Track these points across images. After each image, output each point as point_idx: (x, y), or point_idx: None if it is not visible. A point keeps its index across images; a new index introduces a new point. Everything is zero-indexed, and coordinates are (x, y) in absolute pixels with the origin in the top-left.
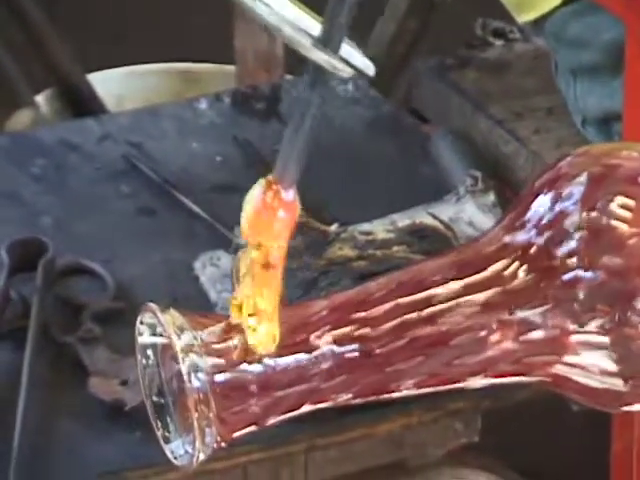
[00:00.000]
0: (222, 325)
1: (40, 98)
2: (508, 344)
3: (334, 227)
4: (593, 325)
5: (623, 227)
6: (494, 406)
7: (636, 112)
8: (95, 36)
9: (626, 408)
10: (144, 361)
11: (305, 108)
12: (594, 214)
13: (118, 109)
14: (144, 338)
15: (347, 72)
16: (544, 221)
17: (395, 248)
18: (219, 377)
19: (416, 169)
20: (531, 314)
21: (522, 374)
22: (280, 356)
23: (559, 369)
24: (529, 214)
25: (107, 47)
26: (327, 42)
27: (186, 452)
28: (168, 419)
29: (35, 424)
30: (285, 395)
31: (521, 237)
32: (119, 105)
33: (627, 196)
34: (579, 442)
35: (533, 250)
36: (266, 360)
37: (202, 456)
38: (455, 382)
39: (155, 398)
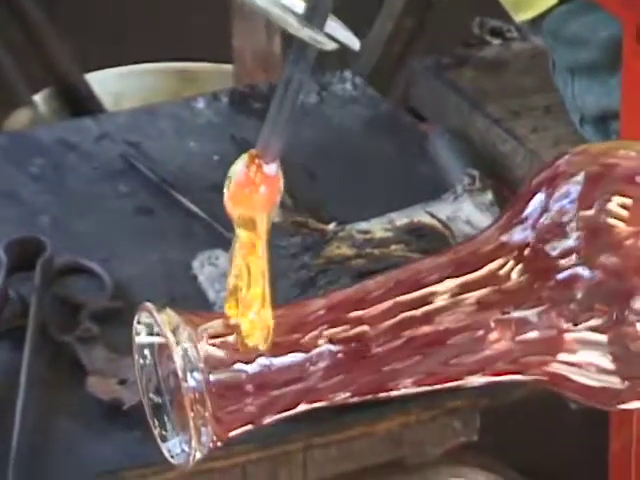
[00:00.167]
0: (218, 324)
1: (38, 98)
2: (505, 343)
3: (332, 226)
4: (590, 324)
5: (620, 226)
6: (492, 405)
7: (633, 110)
8: (95, 36)
9: (623, 406)
10: (141, 360)
11: (288, 84)
12: (591, 213)
13: (116, 108)
14: (141, 338)
15: (330, 46)
16: (541, 220)
17: (393, 247)
18: (215, 376)
19: (414, 168)
20: (527, 314)
21: (519, 373)
22: (276, 355)
23: (556, 368)
24: (526, 213)
25: (107, 47)
26: (311, 18)
27: (183, 451)
28: (165, 418)
29: (33, 423)
30: (281, 394)
31: (517, 236)
32: (117, 104)
33: (624, 195)
34: (578, 440)
35: (529, 250)
36: (262, 359)
37: (198, 455)
38: (452, 381)
39: (152, 397)
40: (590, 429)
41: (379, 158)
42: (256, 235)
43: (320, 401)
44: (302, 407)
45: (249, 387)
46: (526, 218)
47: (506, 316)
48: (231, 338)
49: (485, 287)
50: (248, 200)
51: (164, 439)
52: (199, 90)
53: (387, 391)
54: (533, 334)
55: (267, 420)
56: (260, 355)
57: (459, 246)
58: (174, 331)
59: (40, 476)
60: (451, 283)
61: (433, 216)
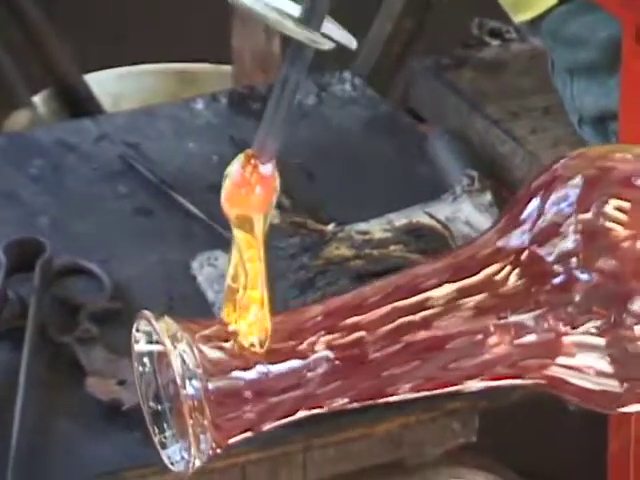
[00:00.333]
0: (217, 331)
1: (37, 99)
2: (504, 347)
3: (331, 227)
4: (588, 327)
5: (618, 229)
6: (492, 406)
7: (632, 111)
8: (94, 36)
9: (622, 409)
10: (141, 368)
11: (285, 84)
12: (589, 216)
13: (115, 109)
14: (140, 346)
15: (327, 46)
16: (539, 223)
17: (392, 247)
18: (213, 384)
19: (413, 168)
20: (524, 318)
21: (518, 377)
22: (274, 362)
23: (555, 371)
24: (524, 216)
25: (106, 47)
26: (308, 20)
27: (182, 458)
28: (165, 425)
29: (33, 424)
30: (280, 401)
31: (514, 240)
32: (116, 105)
33: (622, 198)
34: (577, 441)
35: (526, 254)
36: (260, 366)
37: (198, 462)
38: (451, 385)
39: (152, 404)
40: (589, 430)
41: (378, 159)
42: (253, 236)
43: (319, 407)
44: (301, 413)
45: (248, 394)
46: (523, 222)
47: (504, 320)
48: (229, 345)
49: (483, 292)
50: (244, 201)
51: (164, 446)
52: (198, 91)
53: (386, 396)
54: (531, 338)
55: (266, 427)
56: (258, 362)
57: (457, 250)
58: (172, 339)
59: (39, 477)
60: (449, 288)
61: (432, 217)
